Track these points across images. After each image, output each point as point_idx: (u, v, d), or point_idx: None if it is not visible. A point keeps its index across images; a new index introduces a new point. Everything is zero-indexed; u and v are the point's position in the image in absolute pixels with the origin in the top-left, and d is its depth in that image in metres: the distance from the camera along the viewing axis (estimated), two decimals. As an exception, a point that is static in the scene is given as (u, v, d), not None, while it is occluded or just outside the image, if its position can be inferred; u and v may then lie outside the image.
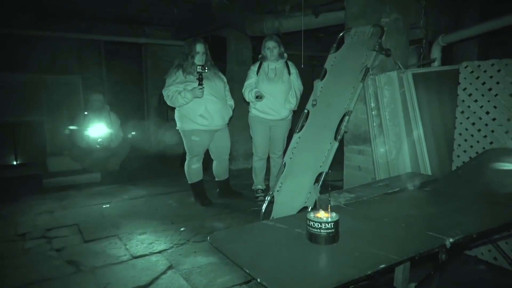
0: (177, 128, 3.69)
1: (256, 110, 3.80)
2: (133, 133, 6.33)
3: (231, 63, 5.47)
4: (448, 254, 1.29)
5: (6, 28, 5.24)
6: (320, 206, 2.02)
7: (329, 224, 1.27)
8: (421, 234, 1.35)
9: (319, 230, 1.27)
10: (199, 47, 3.53)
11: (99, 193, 4.34)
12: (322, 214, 1.30)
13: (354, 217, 1.56)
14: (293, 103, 3.76)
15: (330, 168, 2.96)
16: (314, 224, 1.27)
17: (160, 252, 2.72)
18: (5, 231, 3.15)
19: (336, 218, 1.28)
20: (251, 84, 3.79)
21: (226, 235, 1.39)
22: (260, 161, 3.98)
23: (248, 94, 3.75)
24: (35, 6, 5.29)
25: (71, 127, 5.02)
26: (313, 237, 1.28)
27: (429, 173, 2.67)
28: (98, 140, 4.97)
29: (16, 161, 5.87)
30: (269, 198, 3.22)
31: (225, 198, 3.99)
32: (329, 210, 1.32)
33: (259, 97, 3.66)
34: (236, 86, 4.95)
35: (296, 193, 3.03)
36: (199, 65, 3.38)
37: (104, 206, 3.84)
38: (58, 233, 3.10)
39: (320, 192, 2.91)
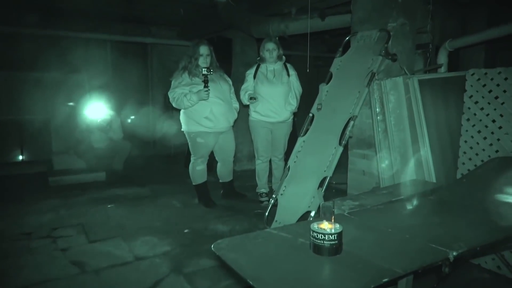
0: (182, 130, 3.71)
1: (257, 113, 3.80)
2: (132, 117, 6.48)
3: (236, 64, 5.48)
4: (451, 267, 1.29)
5: (13, 27, 5.29)
6: (323, 213, 2.03)
7: (333, 235, 1.27)
8: (425, 247, 1.35)
9: (322, 242, 1.27)
10: (203, 49, 3.54)
11: (104, 193, 4.37)
12: (325, 225, 1.31)
13: (358, 227, 1.56)
14: (293, 104, 3.75)
15: (334, 171, 2.96)
16: (317, 236, 1.28)
17: (163, 254, 2.73)
18: (10, 230, 3.18)
19: (340, 230, 1.29)
20: (247, 87, 3.79)
21: (230, 244, 1.39)
22: (263, 164, 3.98)
23: (243, 96, 3.77)
24: (42, 5, 5.32)
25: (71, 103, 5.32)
26: (316, 248, 1.29)
27: (434, 180, 2.66)
28: (99, 121, 5.09)
29: (22, 159, 5.91)
30: (272, 201, 3.23)
31: (229, 200, 4.01)
32: (332, 221, 1.32)
33: (252, 98, 3.66)
34: (241, 88, 4.95)
35: (299, 197, 3.03)
36: (205, 67, 3.38)
37: (109, 206, 3.87)
38: (63, 233, 3.13)
39: (324, 196, 2.92)
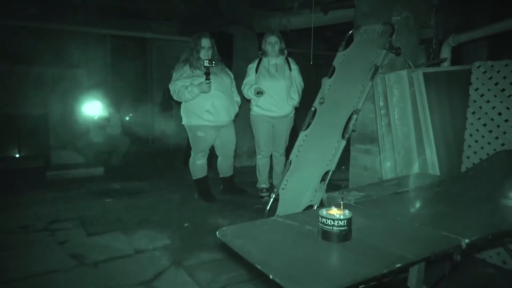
0: (182, 123, 3.66)
1: (259, 107, 3.75)
2: (131, 113, 6.43)
3: (237, 60, 5.44)
4: (463, 254, 1.26)
5: (12, 19, 5.23)
6: (328, 204, 1.99)
7: (342, 221, 1.23)
8: (436, 234, 1.31)
9: (331, 227, 1.23)
10: (205, 42, 3.50)
11: (102, 187, 4.32)
12: (334, 211, 1.27)
13: (365, 215, 1.52)
14: (295, 99, 3.72)
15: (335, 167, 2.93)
16: (326, 221, 1.24)
17: (163, 247, 2.69)
18: (7, 223, 3.13)
19: (349, 216, 1.25)
20: (250, 81, 3.74)
21: (236, 231, 1.35)
22: (264, 159, 3.95)
23: (248, 91, 3.70)
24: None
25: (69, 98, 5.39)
26: (325, 234, 1.25)
27: (438, 174, 2.63)
28: (96, 117, 5.06)
29: (20, 154, 5.83)
30: (274, 195, 3.19)
31: (229, 195, 3.96)
32: (341, 207, 1.29)
33: (259, 92, 3.62)
34: (241, 83, 4.90)
35: (301, 191, 3.00)
36: (207, 60, 3.35)
37: (107, 200, 3.82)
38: (61, 226, 3.08)
39: (327, 191, 2.88)
